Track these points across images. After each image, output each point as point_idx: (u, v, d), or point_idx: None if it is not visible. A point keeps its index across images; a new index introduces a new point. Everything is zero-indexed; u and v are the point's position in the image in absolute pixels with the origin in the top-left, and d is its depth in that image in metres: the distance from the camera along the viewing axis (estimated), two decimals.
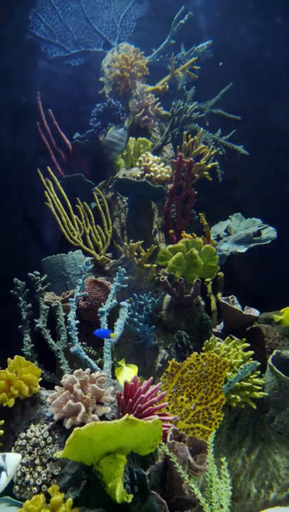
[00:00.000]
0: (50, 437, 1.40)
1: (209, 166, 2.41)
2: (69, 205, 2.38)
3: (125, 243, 2.25)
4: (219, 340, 2.04)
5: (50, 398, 1.51)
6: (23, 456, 1.39)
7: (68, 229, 2.36)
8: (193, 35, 2.89)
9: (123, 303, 1.98)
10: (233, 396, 1.83)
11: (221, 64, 2.85)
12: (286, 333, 2.27)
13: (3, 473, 1.26)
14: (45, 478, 1.35)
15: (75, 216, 2.38)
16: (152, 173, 2.35)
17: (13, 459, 1.28)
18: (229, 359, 1.85)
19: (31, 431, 1.44)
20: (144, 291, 2.22)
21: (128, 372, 1.87)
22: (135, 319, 2.09)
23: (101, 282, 2.20)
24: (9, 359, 1.67)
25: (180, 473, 1.30)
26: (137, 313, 2.11)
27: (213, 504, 1.32)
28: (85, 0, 2.87)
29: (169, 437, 1.44)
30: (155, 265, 2.22)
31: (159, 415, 1.49)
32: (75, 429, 1.20)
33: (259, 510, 1.82)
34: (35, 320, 2.00)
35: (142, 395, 1.49)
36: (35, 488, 1.34)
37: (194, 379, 1.70)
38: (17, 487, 1.37)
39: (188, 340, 2.02)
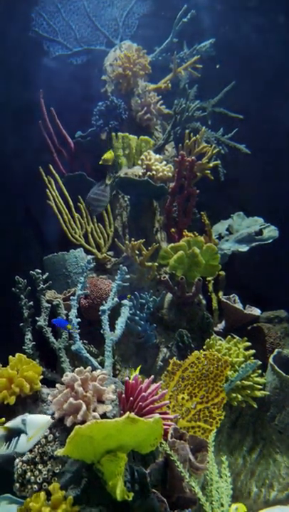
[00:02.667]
0: (51, 435, 1.40)
1: (211, 164, 2.40)
2: (71, 203, 2.39)
3: (127, 242, 2.25)
4: (220, 339, 2.04)
5: (51, 396, 1.51)
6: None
7: (70, 227, 2.36)
8: (195, 34, 2.88)
9: (124, 301, 1.98)
10: (234, 395, 1.83)
11: (218, 66, 2.84)
12: (287, 332, 2.27)
13: (23, 435, 1.27)
14: (45, 476, 1.35)
15: (76, 214, 2.38)
16: (154, 172, 2.35)
17: (35, 421, 1.29)
18: (230, 358, 1.85)
19: None
20: (145, 290, 2.22)
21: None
22: (136, 318, 2.09)
23: (102, 281, 2.20)
24: (11, 357, 1.67)
25: (181, 472, 1.30)
26: (138, 312, 2.11)
27: (213, 503, 1.32)
28: None
29: (169, 436, 1.44)
30: (156, 264, 2.22)
31: (160, 414, 1.49)
32: (76, 427, 1.20)
33: (260, 509, 1.83)
34: (37, 318, 2.00)
35: (143, 394, 1.49)
36: (35, 486, 1.34)
37: (195, 378, 1.70)
38: (18, 485, 1.37)
39: (190, 339, 2.02)
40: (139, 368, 1.83)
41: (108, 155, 2.45)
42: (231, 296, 2.25)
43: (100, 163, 2.50)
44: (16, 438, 1.28)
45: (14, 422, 1.29)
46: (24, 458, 1.38)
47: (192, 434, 1.53)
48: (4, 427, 1.29)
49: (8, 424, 1.30)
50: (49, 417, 1.33)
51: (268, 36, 2.76)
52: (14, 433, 1.28)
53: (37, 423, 1.29)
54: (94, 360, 1.78)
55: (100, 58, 2.91)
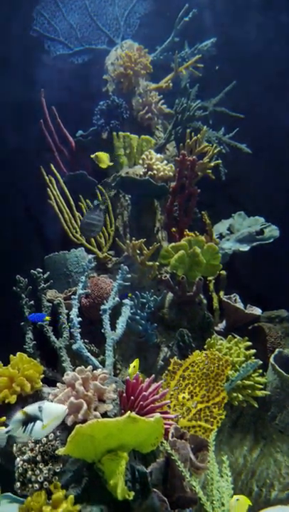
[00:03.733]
0: (52, 434, 1.40)
1: (212, 164, 2.40)
2: (72, 202, 2.38)
3: (128, 241, 2.25)
4: (221, 339, 2.04)
5: (52, 395, 1.51)
6: (26, 451, 1.39)
7: (71, 226, 2.36)
8: (197, 33, 2.88)
9: (125, 301, 1.98)
10: (234, 394, 1.83)
11: (217, 68, 2.84)
12: (288, 331, 2.27)
13: (39, 422, 1.29)
14: (46, 475, 1.35)
15: (77, 214, 2.38)
16: (155, 171, 2.35)
17: (52, 410, 1.30)
18: (231, 357, 1.85)
19: None
20: (146, 289, 2.22)
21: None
22: (137, 317, 2.09)
23: (103, 280, 2.20)
24: (11, 356, 1.68)
25: (181, 471, 1.30)
26: (139, 311, 2.11)
27: (214, 502, 1.32)
28: None
29: (170, 435, 1.44)
30: (157, 263, 2.22)
31: (161, 413, 1.49)
32: (77, 426, 1.20)
33: (260, 509, 1.82)
34: None
35: (144, 393, 1.49)
36: (36, 485, 1.34)
37: (196, 377, 1.70)
38: (19, 484, 1.37)
39: (190, 338, 2.01)
40: (137, 360, 1.84)
41: (101, 156, 2.45)
42: (232, 295, 2.25)
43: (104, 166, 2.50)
44: (32, 424, 1.30)
45: (32, 408, 1.31)
46: (25, 457, 1.38)
47: (193, 434, 1.53)
48: (23, 411, 1.31)
49: (26, 409, 1.31)
50: (65, 407, 1.34)
51: (270, 35, 2.76)
52: (31, 418, 1.30)
53: (53, 412, 1.30)
54: (95, 360, 1.78)
55: (101, 57, 2.91)
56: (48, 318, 1.88)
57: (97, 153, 2.38)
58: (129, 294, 2.08)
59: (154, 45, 2.90)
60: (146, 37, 2.89)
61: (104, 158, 2.39)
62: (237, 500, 1.30)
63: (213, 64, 2.84)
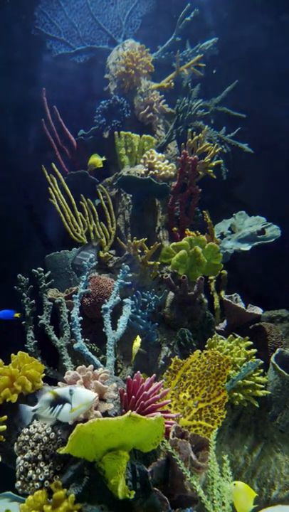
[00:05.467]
0: (53, 433, 1.40)
1: (214, 163, 2.40)
2: (73, 201, 2.39)
3: (129, 240, 2.25)
4: (222, 338, 2.04)
5: None
6: (29, 450, 1.39)
7: (72, 226, 2.36)
8: (198, 33, 2.88)
9: (126, 300, 1.98)
10: (235, 394, 1.83)
11: (214, 71, 2.84)
12: None
13: (67, 405, 1.31)
14: (47, 473, 1.35)
15: (79, 213, 2.38)
16: (156, 171, 2.35)
17: (82, 395, 1.32)
18: (232, 357, 1.85)
19: (34, 426, 1.44)
20: (147, 289, 2.22)
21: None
22: (138, 316, 2.09)
23: (104, 279, 2.20)
24: (13, 355, 1.68)
25: (182, 471, 1.30)
26: (140, 311, 2.11)
27: (214, 502, 1.32)
28: None
29: (171, 434, 1.44)
30: (159, 263, 2.22)
31: (162, 412, 1.49)
32: (78, 425, 1.20)
33: (261, 509, 1.83)
34: (39, 316, 2.00)
35: (145, 392, 1.49)
36: (37, 484, 1.34)
37: (197, 376, 1.70)
38: (19, 482, 1.37)
39: (191, 337, 2.02)
40: (138, 337, 1.86)
41: (94, 159, 2.48)
42: (233, 295, 2.25)
43: (100, 165, 2.52)
44: (61, 406, 1.32)
45: (62, 390, 1.33)
46: (26, 456, 1.38)
47: (194, 433, 1.52)
48: (53, 392, 1.33)
49: (57, 391, 1.33)
50: (96, 394, 1.36)
51: (271, 35, 2.76)
52: (60, 400, 1.32)
53: (83, 397, 1.32)
54: (96, 359, 1.79)
55: (102, 57, 2.91)
56: (17, 315, 1.89)
57: (89, 163, 2.46)
58: (132, 288, 2.09)
59: (155, 45, 2.90)
60: (148, 36, 2.89)
61: (96, 160, 2.43)
62: (234, 484, 1.31)
63: (214, 64, 2.83)
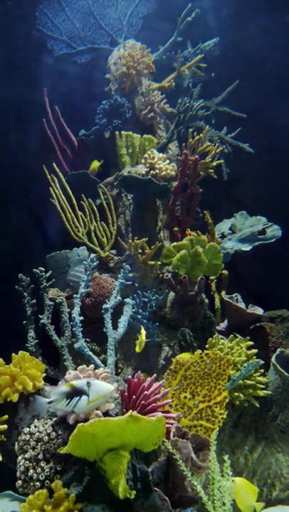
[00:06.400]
0: (54, 433, 1.40)
1: (214, 163, 2.40)
2: (74, 201, 2.39)
3: (130, 240, 2.25)
4: (223, 339, 2.04)
5: None
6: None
7: (73, 225, 2.36)
8: (199, 33, 2.88)
9: (127, 300, 1.98)
10: (236, 394, 1.83)
11: (213, 74, 2.84)
12: None
13: (84, 397, 1.32)
14: (48, 473, 1.35)
15: (80, 213, 2.39)
16: (157, 171, 2.35)
17: (99, 387, 1.33)
18: (233, 357, 1.85)
19: (35, 426, 1.44)
20: (148, 289, 2.22)
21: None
22: (139, 316, 2.09)
23: (105, 279, 2.20)
24: (13, 354, 1.68)
25: (183, 471, 1.30)
26: (140, 311, 2.11)
27: (215, 502, 1.32)
28: None
29: (172, 434, 1.44)
30: (159, 262, 2.22)
31: (163, 412, 1.49)
32: (79, 424, 1.20)
33: (261, 509, 1.83)
34: (40, 316, 2.00)
35: (146, 392, 1.49)
36: (38, 484, 1.34)
37: (198, 376, 1.70)
38: (20, 482, 1.37)
39: (192, 337, 2.02)
40: (143, 328, 1.88)
41: (94, 165, 2.52)
42: (234, 295, 2.25)
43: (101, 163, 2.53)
44: (78, 398, 1.32)
45: (80, 382, 1.34)
46: (27, 455, 1.38)
47: (194, 433, 1.53)
48: (70, 384, 1.33)
49: (74, 382, 1.34)
50: (113, 386, 1.37)
51: (272, 36, 2.76)
52: (77, 392, 1.32)
53: (100, 389, 1.33)
54: (96, 358, 1.79)
55: (103, 57, 2.91)
56: None
57: (90, 169, 2.55)
58: (136, 285, 2.09)
59: (156, 45, 2.90)
60: (149, 36, 2.89)
61: (96, 166, 2.47)
62: (232, 481, 1.31)
63: (215, 63, 2.83)
